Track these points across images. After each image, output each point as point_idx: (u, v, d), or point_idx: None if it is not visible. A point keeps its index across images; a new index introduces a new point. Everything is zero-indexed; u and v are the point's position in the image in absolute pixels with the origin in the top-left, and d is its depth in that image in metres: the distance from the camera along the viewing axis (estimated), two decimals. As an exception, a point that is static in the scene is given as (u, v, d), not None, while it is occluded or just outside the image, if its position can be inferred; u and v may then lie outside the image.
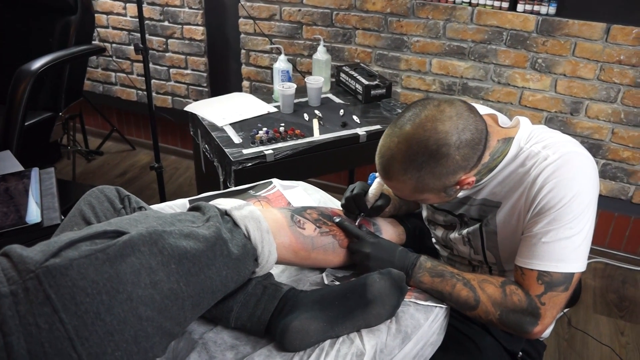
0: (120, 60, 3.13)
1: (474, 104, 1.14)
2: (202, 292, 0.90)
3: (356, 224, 1.20)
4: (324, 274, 1.17)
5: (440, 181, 1.01)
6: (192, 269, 0.88)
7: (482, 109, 1.21)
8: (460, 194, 1.17)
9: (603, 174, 2.34)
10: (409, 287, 1.12)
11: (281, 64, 2.12)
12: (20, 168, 1.66)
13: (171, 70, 3.03)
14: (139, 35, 2.96)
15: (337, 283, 1.13)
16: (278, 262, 1.10)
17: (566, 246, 1.01)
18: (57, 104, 2.36)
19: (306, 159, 1.85)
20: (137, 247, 0.82)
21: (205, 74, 2.96)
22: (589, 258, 2.57)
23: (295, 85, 2.07)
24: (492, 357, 1.20)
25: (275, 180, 1.48)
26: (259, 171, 1.76)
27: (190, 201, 1.36)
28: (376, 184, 1.21)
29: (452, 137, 0.97)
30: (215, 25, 2.86)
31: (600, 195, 2.37)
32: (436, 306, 1.09)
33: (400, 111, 1.33)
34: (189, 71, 2.99)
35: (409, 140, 0.98)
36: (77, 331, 0.71)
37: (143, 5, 2.89)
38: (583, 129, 2.29)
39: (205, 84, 2.99)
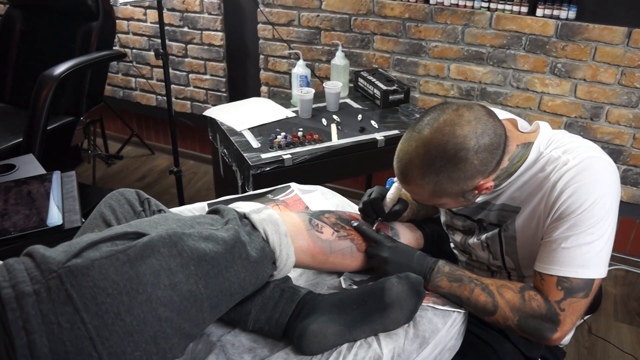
0: (140, 65, 3.17)
1: (493, 109, 1.14)
2: (221, 294, 0.91)
3: (374, 228, 1.20)
4: (341, 278, 1.17)
5: (458, 186, 1.01)
6: (211, 271, 0.89)
7: (502, 114, 1.21)
8: (479, 199, 1.17)
9: (624, 180, 2.30)
10: (427, 292, 1.12)
11: (300, 69, 2.14)
12: (42, 171, 1.68)
13: (190, 75, 3.06)
14: (159, 41, 3.01)
15: (355, 287, 1.13)
16: (296, 266, 1.10)
17: (587, 252, 1.00)
18: (78, 108, 2.40)
19: (324, 163, 1.86)
20: (157, 248, 0.83)
21: (224, 79, 2.99)
22: (610, 265, 2.54)
23: (313, 90, 2.08)
24: (511, 364, 1.19)
25: (293, 185, 1.49)
26: (277, 176, 1.77)
27: (209, 205, 1.37)
28: (394, 189, 1.21)
29: (471, 142, 0.97)
30: (234, 31, 2.88)
31: (621, 202, 2.33)
32: (454, 311, 1.08)
33: (418, 116, 1.33)
34: (207, 76, 3.02)
35: (427, 145, 0.98)
36: (97, 331, 0.72)
37: (163, 11, 2.93)
38: (603, 135, 2.26)
39: (224, 89, 3.01)
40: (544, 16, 2.18)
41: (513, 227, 1.12)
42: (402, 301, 1.01)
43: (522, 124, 1.17)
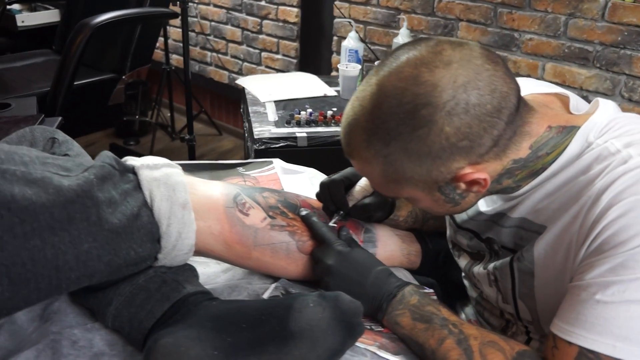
0: (216, 39, 3.02)
1: (541, 83, 0.75)
2: (32, 264, 0.61)
3: (332, 224, 0.84)
4: (273, 285, 0.83)
5: (421, 167, 0.64)
6: (18, 228, 0.60)
7: (550, 88, 0.81)
8: (488, 209, 0.78)
9: None
10: (381, 329, 0.75)
11: (351, 41, 1.81)
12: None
13: (262, 54, 2.84)
14: (236, 14, 2.84)
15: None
16: (202, 254, 0.79)
17: (637, 315, 0.58)
18: (122, 66, 2.27)
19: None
20: None
21: (295, 61, 2.73)
22: None
23: (359, 67, 1.74)
24: None
25: (276, 161, 1.17)
26: (286, 156, 1.43)
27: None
28: (370, 174, 0.85)
29: (443, 94, 0.59)
30: (311, 7, 2.62)
31: None
32: (409, 365, 0.71)
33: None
34: (279, 56, 2.78)
35: (378, 94, 0.62)
36: None
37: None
38: None
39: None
40: (678, 9, 1.67)
41: (530, 255, 0.72)
42: (317, 333, 0.66)
43: (577, 104, 0.76)
